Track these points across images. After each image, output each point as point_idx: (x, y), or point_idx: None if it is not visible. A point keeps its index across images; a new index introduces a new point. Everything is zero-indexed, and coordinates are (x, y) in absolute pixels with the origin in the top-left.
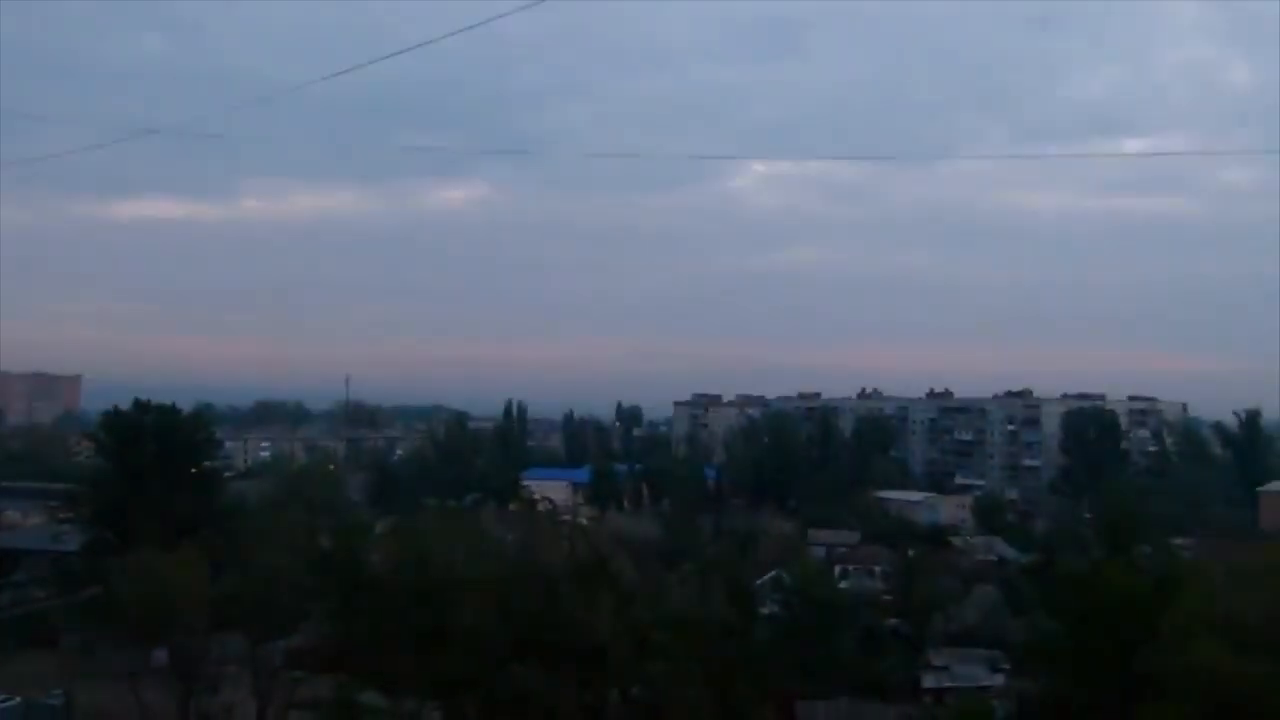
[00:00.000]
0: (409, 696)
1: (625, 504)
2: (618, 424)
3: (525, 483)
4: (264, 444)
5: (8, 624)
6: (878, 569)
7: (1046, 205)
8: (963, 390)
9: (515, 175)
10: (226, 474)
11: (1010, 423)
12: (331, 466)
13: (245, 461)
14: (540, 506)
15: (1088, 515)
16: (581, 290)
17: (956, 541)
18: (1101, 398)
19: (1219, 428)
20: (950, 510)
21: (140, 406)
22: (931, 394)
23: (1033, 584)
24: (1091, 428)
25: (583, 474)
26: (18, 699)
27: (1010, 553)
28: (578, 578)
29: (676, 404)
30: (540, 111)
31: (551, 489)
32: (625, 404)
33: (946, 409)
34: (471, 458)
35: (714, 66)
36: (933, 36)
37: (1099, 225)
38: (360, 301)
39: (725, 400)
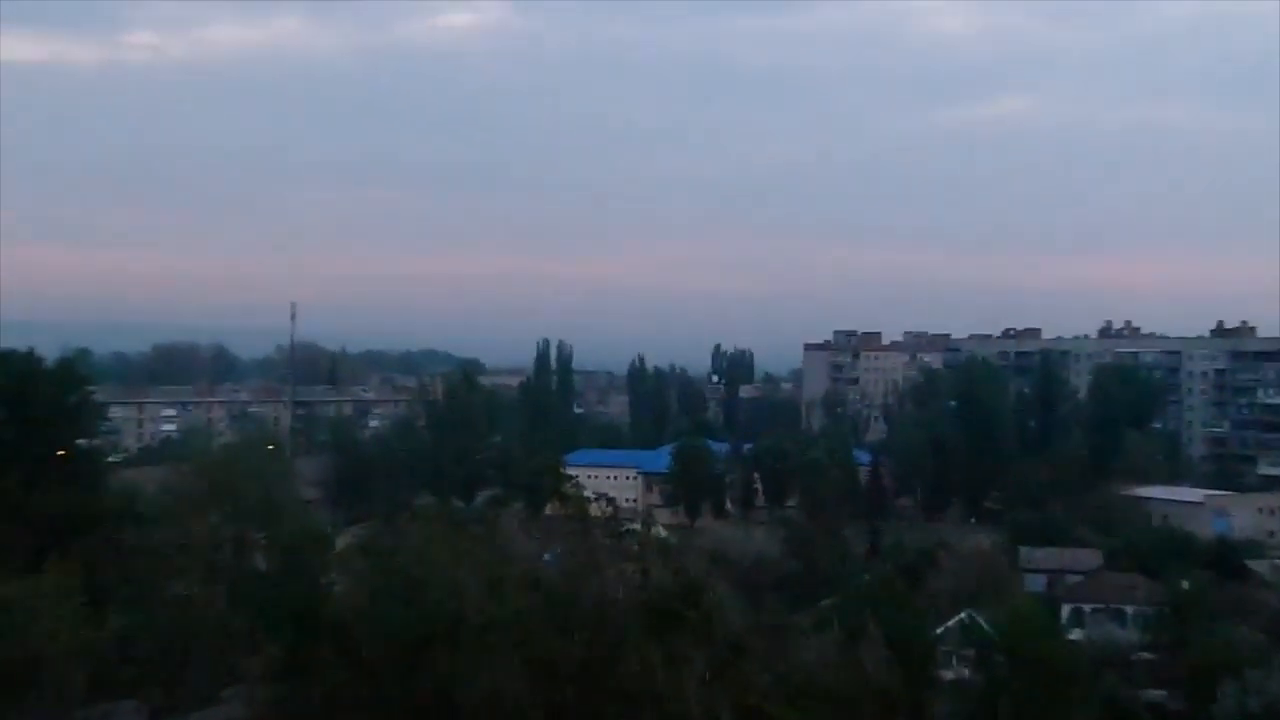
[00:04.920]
0: None
1: (727, 505)
2: (714, 379)
3: (569, 470)
4: (168, 411)
5: None
6: (1130, 610)
7: None
8: (1269, 327)
9: None
10: (112, 457)
11: None
12: (271, 445)
13: (140, 437)
14: (594, 508)
15: None
16: (652, 166)
17: (1260, 568)
18: None
19: None
20: (1249, 517)
21: None
22: (1220, 330)
23: None
24: None
25: (659, 457)
26: None
27: None
28: (653, 621)
29: (808, 347)
30: None
31: (611, 481)
32: (726, 348)
33: (1242, 355)
34: (486, 431)
35: None
36: None
37: None
38: (309, 185)
39: (886, 341)
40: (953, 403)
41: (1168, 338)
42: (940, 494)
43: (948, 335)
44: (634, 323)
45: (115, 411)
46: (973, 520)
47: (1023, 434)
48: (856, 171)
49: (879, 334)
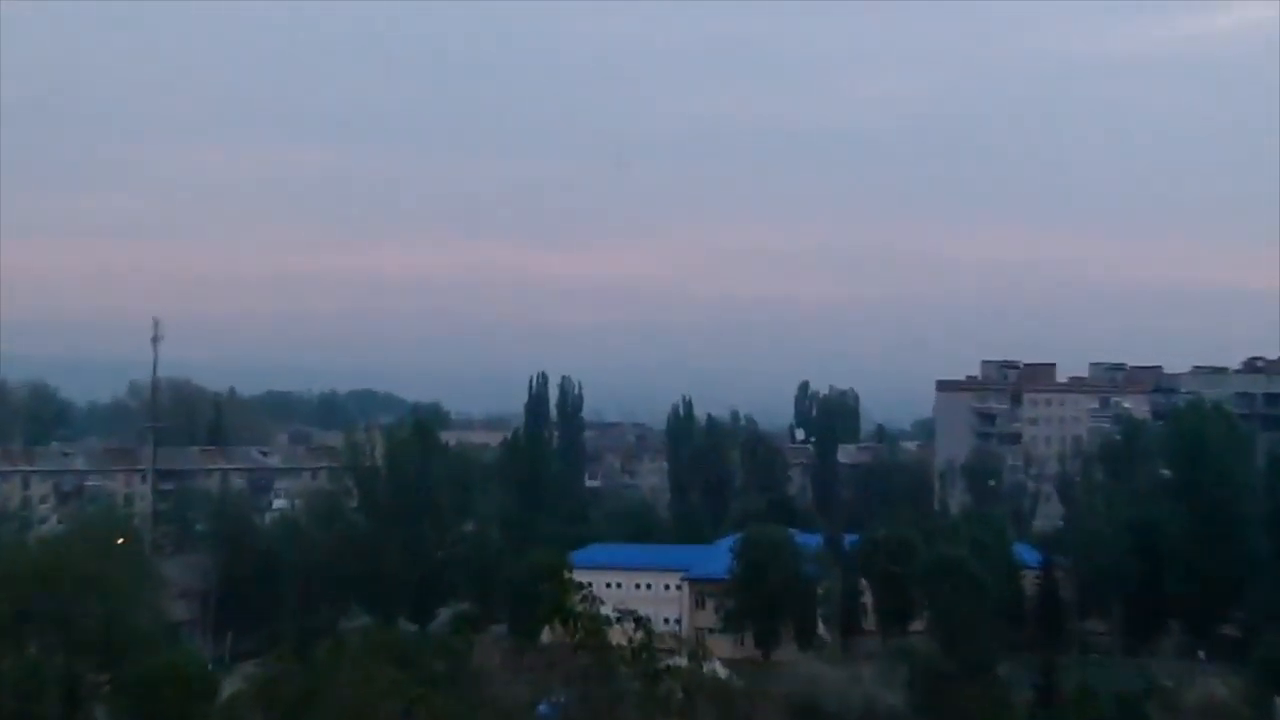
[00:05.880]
0: None
1: (819, 628)
2: (799, 434)
3: (578, 575)
4: None
5: None
6: None
7: None
8: None
9: None
10: None
11: None
12: (121, 538)
13: None
14: (616, 633)
15: None
16: (695, 109)
17: None
18: None
19: None
20: None
21: None
22: None
23: None
24: None
25: (715, 555)
26: None
27: None
28: None
29: (942, 386)
30: None
31: (642, 591)
32: (817, 387)
33: None
34: (451, 515)
35: None
36: None
37: None
38: (185, 138)
39: (1063, 377)
40: (1167, 472)
41: None
42: (1150, 613)
43: (1159, 368)
44: (676, 349)
45: None
46: (1201, 654)
47: (1277, 520)
48: (1006, 117)
49: (1052, 366)
